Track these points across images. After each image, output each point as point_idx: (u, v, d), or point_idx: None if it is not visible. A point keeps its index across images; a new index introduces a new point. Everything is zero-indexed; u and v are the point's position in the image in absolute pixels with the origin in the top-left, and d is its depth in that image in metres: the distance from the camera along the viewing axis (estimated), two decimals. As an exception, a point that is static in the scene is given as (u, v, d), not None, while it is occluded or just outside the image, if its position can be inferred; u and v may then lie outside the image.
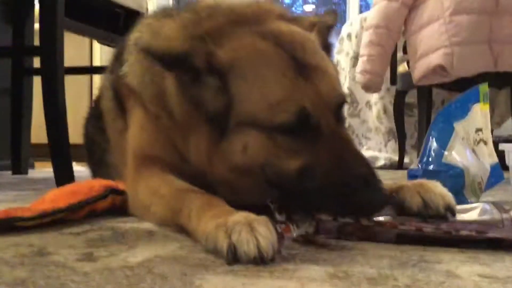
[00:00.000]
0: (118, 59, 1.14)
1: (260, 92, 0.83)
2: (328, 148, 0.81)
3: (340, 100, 0.88)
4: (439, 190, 0.84)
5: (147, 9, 2.08)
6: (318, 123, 0.82)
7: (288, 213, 0.77)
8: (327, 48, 1.00)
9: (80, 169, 1.80)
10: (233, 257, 0.63)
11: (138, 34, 1.10)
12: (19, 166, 2.18)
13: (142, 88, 1.03)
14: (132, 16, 1.96)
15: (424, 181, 0.88)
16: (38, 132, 1.97)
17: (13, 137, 2.14)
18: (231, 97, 0.85)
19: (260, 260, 0.62)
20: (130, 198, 1.01)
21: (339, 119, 0.88)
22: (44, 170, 2.45)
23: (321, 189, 0.79)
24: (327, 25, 1.02)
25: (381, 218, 0.79)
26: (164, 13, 1.13)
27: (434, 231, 0.76)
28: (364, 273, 0.61)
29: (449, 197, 0.84)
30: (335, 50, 3.54)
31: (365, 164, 0.81)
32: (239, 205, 0.78)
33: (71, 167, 1.59)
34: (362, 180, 0.77)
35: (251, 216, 0.69)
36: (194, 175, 0.95)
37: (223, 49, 0.86)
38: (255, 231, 0.65)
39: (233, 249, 0.63)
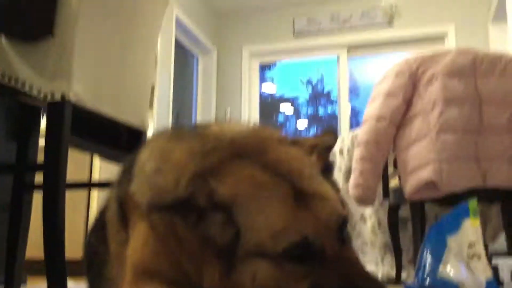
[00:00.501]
0: (126, 174, 1.18)
1: (263, 222, 0.86)
2: (334, 270, 0.83)
3: (340, 222, 0.90)
4: None
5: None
6: (322, 248, 0.85)
7: None
8: (328, 167, 1.04)
9: (73, 286, 1.77)
10: None
11: (148, 154, 1.13)
12: (11, 282, 2.14)
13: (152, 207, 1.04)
14: (135, 133, 2.04)
15: None
16: (33, 246, 1.96)
17: (8, 253, 2.12)
18: (238, 229, 0.88)
19: None
20: None
21: (343, 239, 0.90)
22: (36, 285, 2.39)
23: None
24: (327, 145, 1.07)
25: None
26: (173, 134, 1.19)
27: None
28: None
29: None
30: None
31: (374, 282, 0.83)
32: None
33: (66, 284, 1.57)
34: None
35: None
36: None
37: (224, 185, 0.90)
38: None
39: None
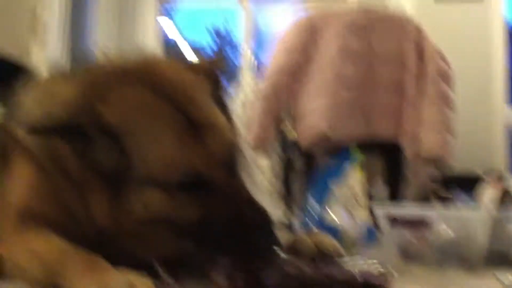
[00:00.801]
0: (9, 116, 1.09)
1: (155, 153, 0.86)
2: (223, 199, 0.87)
3: (231, 152, 0.93)
4: (330, 241, 1.03)
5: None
6: (212, 179, 0.87)
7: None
8: (218, 90, 1.04)
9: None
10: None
11: (32, 99, 1.05)
12: None
13: (39, 152, 0.98)
14: (14, 69, 1.88)
15: (316, 233, 1.09)
16: None
17: None
18: (127, 157, 0.86)
19: None
20: (6, 260, 0.92)
21: (233, 169, 0.93)
22: None
23: (222, 233, 0.85)
24: (219, 68, 1.07)
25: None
26: (59, 74, 1.12)
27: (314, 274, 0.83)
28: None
29: (338, 246, 1.03)
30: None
31: (259, 209, 0.88)
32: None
33: None
34: (259, 222, 0.85)
35: (133, 277, 0.70)
36: (85, 235, 0.93)
37: (112, 110, 0.87)
38: None
39: None
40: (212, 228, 0.86)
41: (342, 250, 1.02)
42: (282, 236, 0.94)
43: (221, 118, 0.96)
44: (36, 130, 0.90)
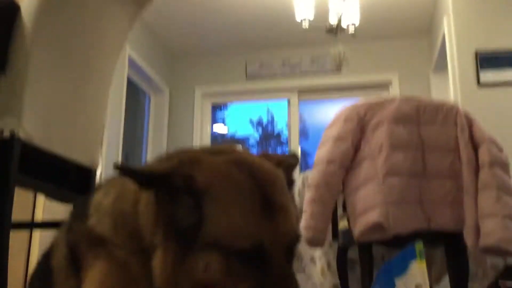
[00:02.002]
0: (78, 218, 1.16)
1: (227, 218, 0.92)
2: (275, 281, 0.90)
3: (294, 239, 0.97)
4: None
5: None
6: (271, 258, 0.91)
7: None
8: (290, 184, 1.11)
9: (11, 331, 1.67)
10: None
11: (103, 193, 1.14)
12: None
13: (114, 233, 1.05)
14: (84, 171, 2.00)
15: None
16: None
17: None
18: (202, 217, 0.92)
19: None
20: None
21: (291, 257, 0.97)
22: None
23: None
24: (292, 164, 1.14)
25: None
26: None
27: None
28: None
29: None
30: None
31: None
32: None
33: (5, 329, 1.49)
34: None
35: None
36: None
37: (201, 173, 0.95)
38: None
39: None
40: None
41: None
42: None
43: (293, 207, 1.01)
44: (132, 171, 0.95)
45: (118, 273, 1.02)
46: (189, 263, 0.91)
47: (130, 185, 1.08)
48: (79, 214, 1.17)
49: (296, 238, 0.98)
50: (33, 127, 1.63)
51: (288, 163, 1.13)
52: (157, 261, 0.95)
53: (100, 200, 1.13)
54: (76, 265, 1.12)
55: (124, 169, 0.96)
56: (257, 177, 0.97)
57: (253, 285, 0.90)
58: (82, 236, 1.11)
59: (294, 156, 1.20)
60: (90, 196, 1.19)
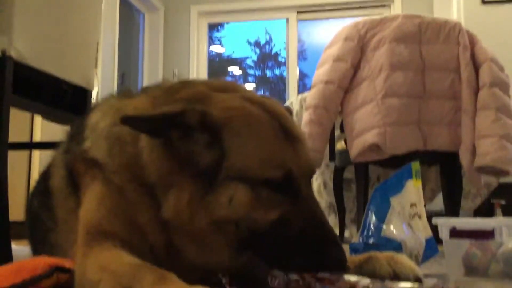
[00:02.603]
0: (74, 139, 1.15)
1: (253, 148, 0.91)
2: (303, 206, 0.91)
3: (314, 169, 0.99)
4: (407, 262, 0.93)
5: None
6: (299, 187, 0.92)
7: (239, 286, 0.80)
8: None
9: (16, 247, 1.73)
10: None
11: (100, 114, 1.12)
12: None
13: (109, 159, 1.03)
14: (79, 93, 1.98)
15: (392, 253, 0.97)
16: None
17: None
18: (223, 152, 0.91)
19: None
20: (77, 275, 0.98)
21: (311, 185, 0.98)
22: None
23: (295, 239, 0.87)
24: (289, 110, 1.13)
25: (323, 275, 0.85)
26: (125, 93, 1.17)
27: None
28: None
29: (417, 268, 0.92)
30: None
31: (330, 229, 0.91)
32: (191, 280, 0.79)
33: (10, 246, 1.54)
34: (332, 238, 0.87)
35: None
36: (151, 249, 0.97)
37: (216, 109, 0.93)
38: None
39: None
40: (286, 232, 0.88)
41: (421, 274, 0.90)
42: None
43: (306, 138, 1.02)
44: (142, 119, 0.92)
45: (115, 196, 1.01)
46: (209, 200, 0.90)
47: (129, 111, 1.05)
48: (75, 135, 1.16)
49: (314, 168, 0.99)
50: (25, 45, 1.59)
51: (289, 108, 1.13)
52: (172, 200, 0.93)
53: (97, 121, 1.11)
54: (74, 185, 1.12)
55: (129, 119, 0.92)
56: (270, 110, 0.97)
57: (282, 214, 0.90)
58: (78, 158, 1.10)
59: (288, 108, 1.18)
60: (86, 116, 1.16)
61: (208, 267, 0.95)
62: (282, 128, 0.95)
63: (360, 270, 0.92)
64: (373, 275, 0.90)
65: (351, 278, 0.84)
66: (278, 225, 0.90)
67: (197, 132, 0.92)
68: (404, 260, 0.93)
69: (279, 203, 0.91)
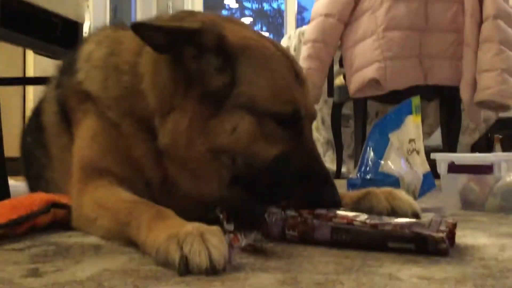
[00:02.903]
0: (66, 72, 1.11)
1: (266, 80, 0.90)
2: (303, 146, 0.93)
3: (315, 114, 1.01)
4: (406, 198, 0.92)
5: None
6: (304, 125, 0.93)
7: (236, 222, 0.79)
8: None
9: (13, 183, 1.73)
10: (185, 269, 0.64)
11: (94, 44, 1.07)
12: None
13: (103, 92, 1.00)
14: (70, 26, 1.92)
15: (390, 188, 0.97)
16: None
17: None
18: (235, 79, 0.89)
19: (212, 271, 0.63)
20: (74, 212, 0.98)
21: (311, 129, 1.00)
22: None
23: (293, 177, 0.89)
24: None
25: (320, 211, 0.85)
26: (120, 25, 1.12)
27: (363, 224, 0.80)
28: (312, 278, 0.63)
29: (415, 204, 0.92)
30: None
31: (326, 171, 0.94)
32: (188, 217, 0.78)
33: (7, 182, 1.53)
34: (328, 178, 0.90)
35: (203, 226, 0.70)
36: (147, 185, 0.97)
37: (235, 36, 0.91)
38: (207, 242, 0.66)
39: (185, 260, 0.64)
40: (285, 169, 0.89)
41: (419, 209, 0.89)
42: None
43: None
44: (158, 28, 0.87)
45: (109, 132, 0.99)
46: (212, 125, 0.89)
47: (127, 43, 1.01)
48: (67, 68, 1.12)
49: (315, 111, 1.00)
50: (11, -24, 1.52)
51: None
52: (170, 123, 0.91)
53: (90, 52, 1.06)
54: (67, 121, 1.10)
55: (145, 27, 0.86)
56: (282, 50, 0.96)
57: (283, 150, 0.90)
58: (70, 91, 1.07)
59: None
60: (78, 48, 1.11)
61: (201, 199, 0.95)
62: (293, 68, 0.95)
63: (358, 205, 0.92)
64: (371, 210, 0.90)
65: (348, 213, 0.84)
66: (279, 161, 0.90)
67: (212, 53, 0.89)
68: (402, 196, 0.92)
69: (283, 139, 0.91)
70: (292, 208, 0.85)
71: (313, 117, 0.99)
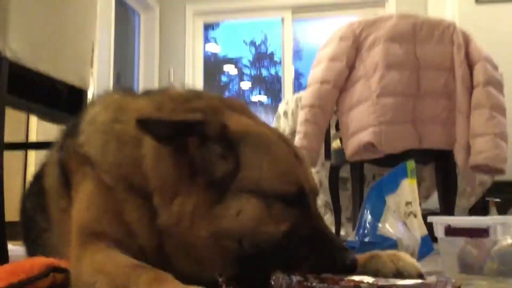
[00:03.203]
0: (69, 135, 1.14)
1: (269, 163, 0.93)
2: (312, 221, 0.94)
3: (318, 190, 1.03)
4: (410, 260, 0.95)
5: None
6: (309, 202, 0.95)
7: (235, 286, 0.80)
8: None
9: (12, 247, 1.73)
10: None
11: (99, 108, 1.10)
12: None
13: (102, 157, 1.02)
14: (75, 93, 1.98)
15: (394, 251, 0.99)
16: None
17: None
18: (238, 165, 0.92)
19: None
20: (73, 277, 0.98)
21: (315, 203, 1.01)
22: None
23: (303, 246, 0.89)
24: None
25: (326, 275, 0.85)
26: (128, 91, 1.16)
27: (369, 287, 0.80)
28: None
29: (419, 265, 0.94)
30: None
31: (338, 242, 0.93)
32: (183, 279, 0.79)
33: (6, 247, 1.53)
34: (339, 242, 0.91)
35: None
36: (141, 250, 0.97)
37: (235, 123, 0.95)
38: None
39: None
40: (296, 241, 0.89)
41: (422, 270, 0.92)
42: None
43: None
44: (162, 123, 0.92)
45: (104, 195, 1.00)
46: (216, 210, 0.90)
47: (133, 112, 1.02)
48: (70, 131, 1.14)
49: (318, 188, 1.02)
50: (20, 46, 1.59)
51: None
52: (176, 206, 0.92)
53: (95, 115, 1.09)
54: (67, 185, 1.11)
55: (150, 123, 0.90)
56: (278, 133, 1.01)
57: (292, 225, 0.91)
58: (71, 153, 1.09)
59: None
60: (78, 117, 1.14)
61: (198, 277, 0.92)
62: (292, 149, 0.98)
63: (363, 269, 0.93)
64: (377, 273, 0.91)
65: (355, 277, 0.84)
66: (288, 235, 0.90)
67: (215, 142, 0.93)
68: (406, 258, 0.94)
69: (290, 216, 0.92)
70: (297, 273, 0.85)
71: (316, 192, 1.00)
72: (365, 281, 0.81)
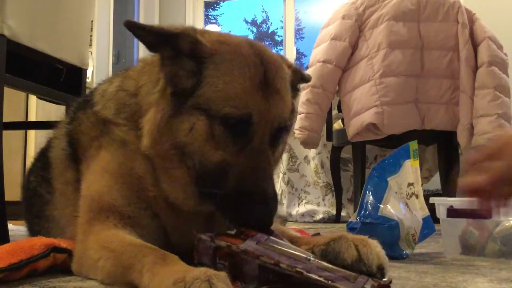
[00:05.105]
0: (81, 108, 1.19)
1: (224, 84, 0.94)
2: (249, 157, 0.93)
3: (281, 124, 0.99)
4: (376, 249, 0.85)
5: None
6: (254, 133, 0.94)
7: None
8: (294, 90, 1.13)
9: (12, 227, 1.73)
10: (192, 314, 0.64)
11: (106, 85, 1.17)
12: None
13: (117, 115, 1.09)
14: (74, 72, 1.96)
15: (366, 237, 0.89)
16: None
17: None
18: (200, 81, 0.95)
19: None
20: (78, 252, 0.98)
21: (275, 141, 0.99)
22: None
23: (229, 194, 0.90)
24: (303, 76, 1.17)
25: (248, 248, 0.82)
26: (126, 68, 1.23)
27: (288, 268, 0.78)
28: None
29: (384, 258, 0.84)
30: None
31: (271, 186, 0.93)
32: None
33: (7, 226, 1.53)
34: (264, 194, 0.89)
35: (210, 271, 0.70)
36: (153, 220, 1.01)
37: (209, 41, 0.98)
38: (214, 287, 0.66)
39: None
40: (224, 179, 0.91)
41: (386, 264, 0.83)
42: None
43: (289, 98, 1.02)
44: (142, 27, 0.98)
45: (118, 152, 1.05)
46: (175, 123, 0.95)
47: (132, 74, 1.12)
48: (82, 105, 1.20)
49: (284, 125, 0.99)
50: (18, 24, 1.56)
51: (299, 71, 1.14)
52: (147, 119, 0.99)
53: (105, 88, 1.17)
54: (74, 157, 1.14)
55: (132, 25, 0.97)
56: (264, 59, 0.98)
57: (231, 152, 0.92)
58: (86, 124, 1.14)
59: (308, 75, 1.22)
60: (89, 94, 1.22)
61: (183, 206, 1.00)
62: (265, 77, 0.96)
63: (327, 247, 0.87)
64: (336, 256, 0.84)
65: (288, 251, 0.82)
66: (221, 168, 0.92)
67: (186, 57, 0.96)
68: (373, 246, 0.85)
69: (228, 145, 0.93)
70: (221, 238, 0.85)
71: (274, 126, 0.97)
72: (286, 262, 0.78)
